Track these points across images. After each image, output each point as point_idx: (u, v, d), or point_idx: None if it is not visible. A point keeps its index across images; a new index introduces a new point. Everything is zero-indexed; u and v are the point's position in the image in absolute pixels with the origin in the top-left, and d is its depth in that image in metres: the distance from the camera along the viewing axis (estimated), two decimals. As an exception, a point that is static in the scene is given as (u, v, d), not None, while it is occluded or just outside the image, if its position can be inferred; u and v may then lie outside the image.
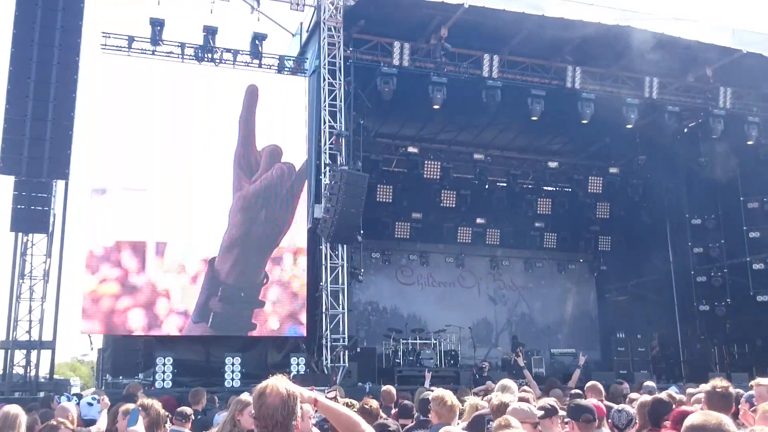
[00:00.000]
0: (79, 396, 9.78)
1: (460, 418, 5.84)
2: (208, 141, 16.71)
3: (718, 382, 4.62)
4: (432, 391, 6.46)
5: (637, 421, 5.62)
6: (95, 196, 16.01)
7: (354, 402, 6.67)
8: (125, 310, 15.51)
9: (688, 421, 2.94)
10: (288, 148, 17.65)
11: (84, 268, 15.56)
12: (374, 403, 6.30)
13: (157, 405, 5.44)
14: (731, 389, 4.75)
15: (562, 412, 5.40)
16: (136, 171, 16.09)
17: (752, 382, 6.98)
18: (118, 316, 15.50)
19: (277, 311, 16.63)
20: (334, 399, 6.89)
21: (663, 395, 6.22)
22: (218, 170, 16.56)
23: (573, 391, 8.84)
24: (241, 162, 16.55)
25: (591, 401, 5.81)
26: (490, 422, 5.62)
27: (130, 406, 5.43)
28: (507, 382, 6.81)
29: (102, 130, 16.42)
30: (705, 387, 4.91)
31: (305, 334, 16.92)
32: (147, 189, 16.07)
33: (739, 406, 5.14)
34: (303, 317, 16.84)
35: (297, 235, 17.12)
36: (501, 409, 5.21)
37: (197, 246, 16.14)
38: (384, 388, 9.03)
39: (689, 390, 7.43)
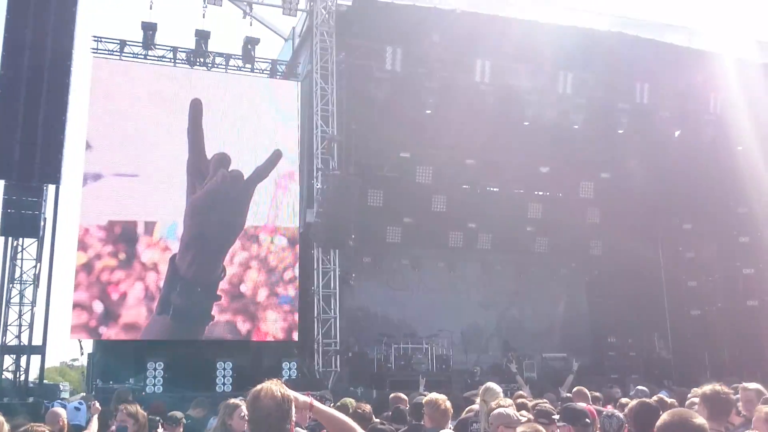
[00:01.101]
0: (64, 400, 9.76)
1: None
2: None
3: (719, 387, 4.63)
4: (424, 395, 6.45)
5: (627, 426, 5.62)
6: (90, 182, 16.56)
7: (350, 400, 6.65)
8: (119, 282, 16.26)
9: (659, 422, 3.11)
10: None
11: (78, 245, 16.22)
12: (367, 408, 6.29)
13: (131, 408, 5.47)
14: (732, 395, 4.77)
15: (555, 416, 5.39)
16: (128, 158, 16.95)
17: (735, 386, 7.00)
18: (113, 288, 16.17)
19: (249, 285, 17.31)
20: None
21: (651, 400, 6.22)
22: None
23: (565, 395, 8.85)
24: (192, 170, 17.22)
25: (581, 405, 5.81)
26: (474, 424, 5.64)
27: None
28: (491, 385, 6.79)
29: (95, 123, 16.87)
30: (698, 391, 4.91)
31: (290, 303, 17.55)
32: (138, 175, 16.90)
33: None
34: (280, 289, 17.52)
35: (274, 215, 17.83)
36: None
37: (181, 224, 16.98)
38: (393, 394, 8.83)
39: (688, 395, 7.43)
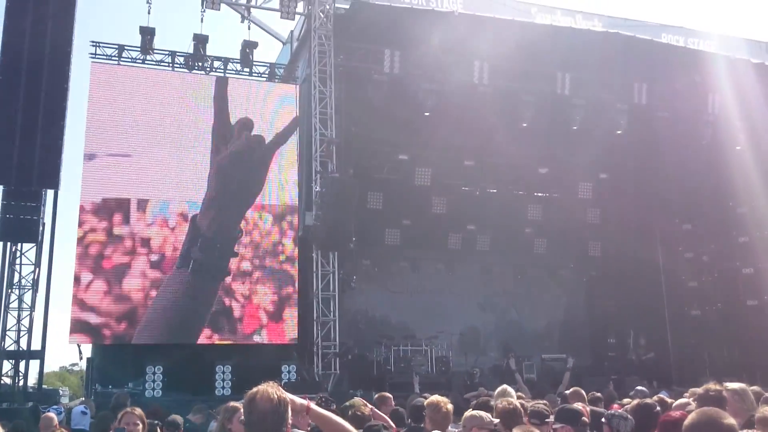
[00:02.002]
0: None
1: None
2: (187, 122, 17.95)
3: (711, 386, 4.62)
4: (424, 397, 6.43)
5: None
6: (86, 162, 16.85)
7: (360, 401, 6.63)
8: (113, 256, 16.71)
9: (687, 421, 3.01)
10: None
11: (76, 222, 16.60)
12: (366, 410, 6.27)
13: (138, 410, 5.48)
14: (725, 393, 4.75)
15: (548, 419, 5.37)
16: (121, 139, 17.38)
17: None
18: (107, 262, 16.57)
19: (237, 260, 17.82)
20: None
21: (650, 400, 6.21)
22: (194, 141, 17.89)
23: (565, 393, 8.83)
24: (217, 133, 17.91)
25: (578, 406, 5.80)
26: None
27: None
28: (507, 388, 6.78)
29: (92, 107, 17.13)
30: (696, 391, 4.89)
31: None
32: (131, 155, 17.30)
33: None
34: (267, 262, 17.98)
35: (263, 193, 18.24)
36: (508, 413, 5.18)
37: (174, 202, 17.50)
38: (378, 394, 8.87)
39: (685, 395, 7.42)
